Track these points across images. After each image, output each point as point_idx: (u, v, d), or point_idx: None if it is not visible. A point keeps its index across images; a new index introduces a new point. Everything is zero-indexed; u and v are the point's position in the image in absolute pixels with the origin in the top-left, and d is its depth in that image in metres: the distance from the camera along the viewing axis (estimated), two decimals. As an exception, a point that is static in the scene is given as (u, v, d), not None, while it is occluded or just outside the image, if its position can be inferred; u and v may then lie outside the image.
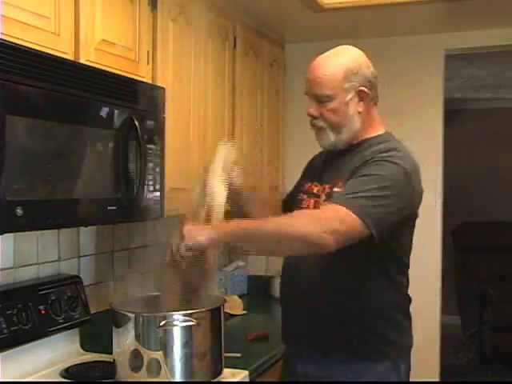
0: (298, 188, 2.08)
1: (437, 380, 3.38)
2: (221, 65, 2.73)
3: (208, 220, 1.85)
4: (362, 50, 1.92)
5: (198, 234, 1.72)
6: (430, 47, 3.33)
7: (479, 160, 6.34)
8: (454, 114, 5.10)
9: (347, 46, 1.93)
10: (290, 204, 2.07)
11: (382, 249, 1.80)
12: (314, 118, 1.90)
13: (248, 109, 3.00)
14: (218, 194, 1.87)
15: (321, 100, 1.86)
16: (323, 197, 1.89)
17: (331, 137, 1.89)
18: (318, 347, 1.89)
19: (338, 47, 1.92)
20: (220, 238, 1.73)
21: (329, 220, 1.67)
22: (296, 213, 1.82)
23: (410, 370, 1.94)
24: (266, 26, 3.14)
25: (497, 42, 3.27)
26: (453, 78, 4.73)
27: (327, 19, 3.01)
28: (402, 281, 1.92)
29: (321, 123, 1.89)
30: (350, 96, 1.85)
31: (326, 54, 1.91)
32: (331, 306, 1.86)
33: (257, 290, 3.44)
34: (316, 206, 1.89)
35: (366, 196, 1.70)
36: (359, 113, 1.87)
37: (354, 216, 1.66)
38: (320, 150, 2.03)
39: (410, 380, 1.95)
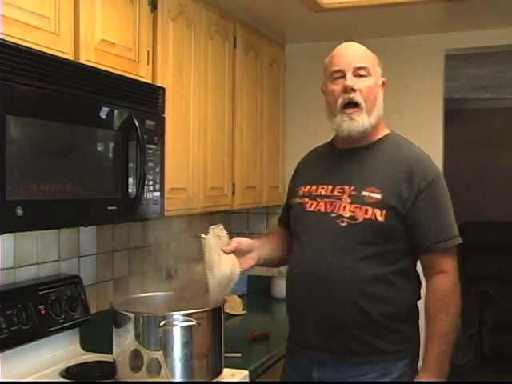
0: (292, 197, 2.04)
1: (437, 380, 3.37)
2: (221, 65, 2.73)
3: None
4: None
5: None
6: (430, 47, 3.33)
7: (479, 160, 6.34)
8: (454, 114, 5.10)
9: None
10: (288, 219, 2.06)
11: (408, 248, 1.87)
12: (352, 91, 1.87)
13: (248, 109, 3.00)
14: (222, 263, 1.90)
15: (358, 73, 1.88)
16: (347, 199, 1.86)
17: (365, 118, 1.88)
18: (339, 352, 1.86)
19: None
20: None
21: (455, 270, 1.89)
22: (442, 305, 1.86)
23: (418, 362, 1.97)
24: (266, 26, 3.14)
25: (497, 42, 3.27)
26: (453, 78, 4.73)
27: (327, 19, 3.00)
28: (417, 278, 1.95)
29: (359, 98, 1.88)
30: (379, 81, 1.93)
31: (349, 43, 1.96)
32: (352, 311, 1.83)
33: (257, 290, 3.44)
34: (334, 208, 1.87)
35: (447, 221, 1.88)
36: (381, 100, 1.93)
37: (456, 246, 1.89)
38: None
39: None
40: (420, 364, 1.93)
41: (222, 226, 1.96)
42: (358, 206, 1.83)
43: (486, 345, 5.26)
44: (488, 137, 6.30)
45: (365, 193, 1.84)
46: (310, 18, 2.98)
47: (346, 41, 1.99)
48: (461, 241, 1.89)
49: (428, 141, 3.31)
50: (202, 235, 1.92)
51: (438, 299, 1.86)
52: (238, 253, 1.95)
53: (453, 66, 3.74)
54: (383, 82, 1.95)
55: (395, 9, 2.84)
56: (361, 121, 1.88)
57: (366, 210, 1.82)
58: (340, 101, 1.88)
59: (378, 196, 1.83)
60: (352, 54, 1.92)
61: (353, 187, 1.87)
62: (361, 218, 1.82)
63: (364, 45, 1.97)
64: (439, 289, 1.86)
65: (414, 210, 1.83)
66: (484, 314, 5.31)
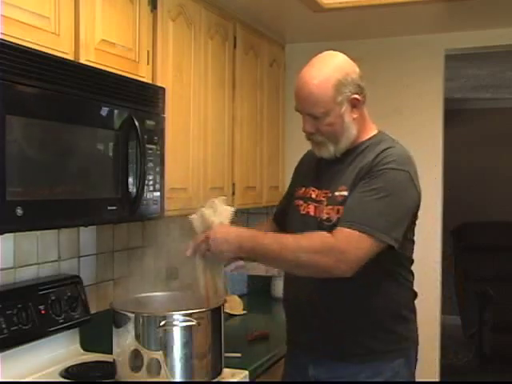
0: (291, 195, 2.07)
1: (437, 380, 3.38)
2: (221, 65, 2.73)
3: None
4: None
5: (222, 245, 1.76)
6: (430, 47, 3.33)
7: (479, 160, 6.34)
8: (454, 114, 5.11)
9: (329, 52, 1.91)
10: (284, 215, 2.07)
11: (390, 252, 1.82)
12: (310, 134, 1.90)
13: (248, 109, 3.00)
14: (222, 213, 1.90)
15: (316, 116, 1.85)
16: (325, 201, 1.88)
17: (330, 148, 1.89)
18: (333, 353, 1.88)
19: (321, 56, 1.89)
20: (239, 251, 1.77)
21: (344, 252, 1.71)
22: (310, 238, 1.75)
23: (416, 363, 1.96)
24: (265, 26, 3.14)
25: (497, 42, 3.27)
26: (453, 78, 4.73)
27: (327, 19, 3.01)
28: (409, 277, 1.94)
29: (319, 138, 1.89)
30: (344, 108, 1.85)
31: (310, 67, 1.87)
32: (344, 312, 1.85)
33: (257, 290, 3.44)
34: (318, 212, 1.88)
35: (372, 211, 1.75)
36: (354, 119, 1.87)
37: (367, 238, 1.72)
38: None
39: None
40: (421, 361, 1.96)
41: (222, 198, 1.95)
42: (331, 207, 1.85)
43: (486, 345, 5.27)
44: (488, 137, 6.31)
45: (336, 193, 1.86)
46: (310, 18, 2.98)
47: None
48: (387, 241, 1.73)
49: (428, 141, 3.34)
50: (192, 216, 1.91)
51: (310, 235, 1.78)
52: None
53: (453, 66, 3.74)
54: (354, 99, 1.85)
55: (395, 9, 2.84)
56: (327, 150, 1.90)
57: (338, 210, 1.83)
58: (305, 133, 1.91)
59: (346, 193, 1.83)
60: (304, 97, 1.85)
61: (329, 190, 1.89)
62: (334, 219, 1.83)
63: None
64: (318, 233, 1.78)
65: (355, 187, 1.81)
66: (484, 313, 5.31)
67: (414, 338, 1.96)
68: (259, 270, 3.49)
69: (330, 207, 1.85)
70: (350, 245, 1.72)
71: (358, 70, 1.89)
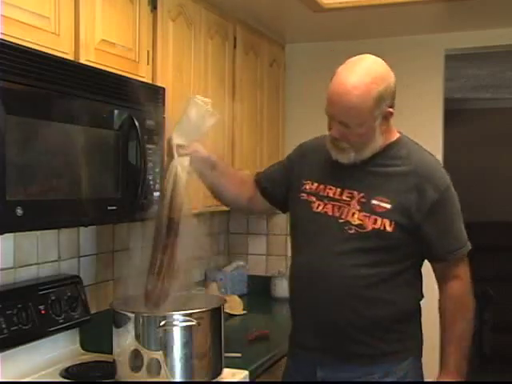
0: (297, 191, 2.01)
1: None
2: (221, 65, 2.73)
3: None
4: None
5: None
6: (430, 47, 3.33)
7: (479, 160, 6.34)
8: (454, 114, 5.10)
9: (368, 56, 1.81)
10: (271, 185, 2.07)
11: (413, 252, 1.87)
12: (336, 139, 1.83)
13: (248, 109, 3.00)
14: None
15: (348, 126, 1.78)
16: (356, 205, 1.82)
17: (351, 155, 1.83)
18: (342, 354, 1.86)
19: (361, 60, 1.79)
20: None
21: (469, 277, 1.94)
22: (464, 309, 1.95)
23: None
24: (265, 26, 3.14)
25: (497, 42, 3.27)
26: (453, 78, 4.73)
27: (327, 19, 3.00)
28: (419, 279, 1.96)
29: (344, 145, 1.82)
30: (378, 121, 1.80)
31: (350, 72, 1.76)
32: (354, 313, 1.83)
33: (257, 290, 3.44)
34: (340, 213, 1.84)
35: (460, 229, 1.98)
36: (382, 131, 1.83)
37: (467, 260, 1.95)
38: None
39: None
40: (423, 360, 2.00)
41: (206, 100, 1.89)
42: (367, 214, 1.81)
43: (486, 345, 5.26)
44: (488, 137, 6.30)
45: (374, 201, 1.82)
46: (310, 18, 2.98)
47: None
48: (471, 247, 1.93)
49: (428, 141, 3.28)
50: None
51: (453, 303, 1.91)
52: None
53: (453, 66, 3.74)
54: (388, 112, 1.81)
55: (395, 9, 2.85)
56: (347, 156, 1.84)
57: (375, 220, 1.80)
58: (329, 136, 1.86)
59: (388, 206, 1.80)
60: (342, 106, 1.76)
61: (362, 194, 1.83)
62: (369, 228, 1.80)
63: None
64: (454, 294, 1.91)
65: (427, 221, 1.82)
66: (484, 313, 5.30)
67: (420, 337, 1.98)
68: (259, 269, 3.50)
69: (364, 214, 1.81)
70: (467, 268, 1.93)
71: (393, 76, 1.82)
